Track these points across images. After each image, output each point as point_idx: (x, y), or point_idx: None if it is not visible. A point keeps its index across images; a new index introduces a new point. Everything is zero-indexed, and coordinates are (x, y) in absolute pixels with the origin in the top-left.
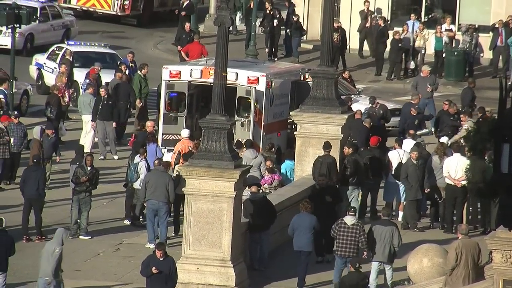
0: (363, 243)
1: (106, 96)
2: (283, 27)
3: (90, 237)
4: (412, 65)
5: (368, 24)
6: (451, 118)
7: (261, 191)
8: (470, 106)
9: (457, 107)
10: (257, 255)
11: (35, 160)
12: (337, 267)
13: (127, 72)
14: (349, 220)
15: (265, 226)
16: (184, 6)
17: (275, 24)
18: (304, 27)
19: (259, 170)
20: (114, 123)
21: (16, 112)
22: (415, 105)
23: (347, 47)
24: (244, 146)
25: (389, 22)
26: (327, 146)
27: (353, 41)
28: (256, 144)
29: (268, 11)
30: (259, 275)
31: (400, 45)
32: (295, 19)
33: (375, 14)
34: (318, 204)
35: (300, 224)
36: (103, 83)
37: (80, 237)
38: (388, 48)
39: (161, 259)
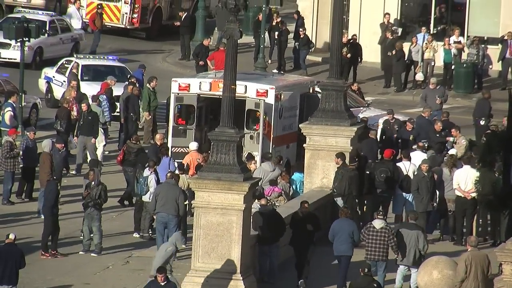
0: (393, 246)
1: (87, 111)
2: (293, 39)
3: (96, 255)
4: (420, 76)
5: (389, 37)
6: (437, 135)
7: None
8: (489, 117)
9: (441, 124)
10: (266, 267)
11: (55, 178)
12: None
13: (137, 85)
14: (378, 223)
15: (274, 239)
16: (182, 19)
17: (276, 36)
18: (313, 40)
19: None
20: (93, 139)
21: (33, 128)
22: (425, 117)
23: (360, 60)
24: (264, 158)
25: (399, 35)
26: (351, 159)
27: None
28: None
29: (274, 23)
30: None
31: (401, 54)
32: (301, 32)
33: (395, 26)
34: (299, 232)
35: (340, 230)
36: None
37: (91, 254)
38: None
39: (162, 283)
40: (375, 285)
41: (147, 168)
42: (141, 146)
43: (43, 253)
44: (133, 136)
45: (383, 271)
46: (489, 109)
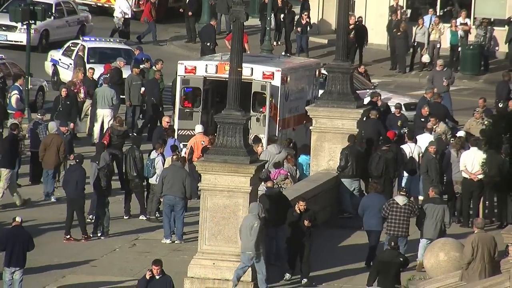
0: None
1: (65, 96)
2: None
3: (103, 237)
4: (426, 58)
5: (399, 19)
6: (422, 120)
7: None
8: (508, 99)
9: (428, 109)
10: (273, 249)
11: (77, 160)
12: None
13: (155, 69)
14: (401, 200)
15: (281, 221)
16: (187, 1)
17: (281, 19)
18: (319, 22)
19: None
20: (72, 124)
21: (43, 110)
22: (427, 99)
23: (366, 42)
24: (269, 141)
25: (408, 16)
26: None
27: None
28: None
29: (279, 5)
30: (275, 270)
31: (403, 36)
32: (304, 15)
33: (404, 8)
34: (295, 230)
35: (370, 205)
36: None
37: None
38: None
39: (157, 276)
40: (401, 259)
41: (154, 151)
42: (126, 128)
43: (85, 237)
44: (117, 119)
45: (403, 247)
46: (508, 91)
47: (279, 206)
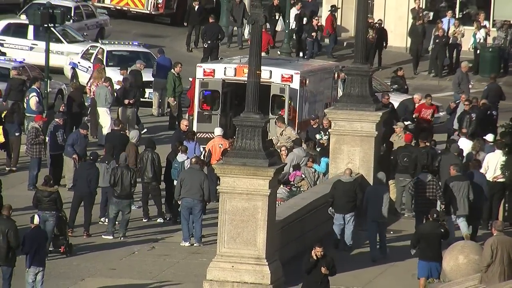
0: (440, 197)
1: (62, 112)
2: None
3: (111, 237)
4: (446, 61)
5: (420, 22)
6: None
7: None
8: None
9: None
10: (340, 235)
11: (91, 158)
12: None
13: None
14: (425, 177)
15: (349, 209)
16: (196, 9)
17: (304, 23)
18: (337, 25)
19: None
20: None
21: (62, 114)
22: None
23: (385, 44)
24: (295, 144)
25: (431, 19)
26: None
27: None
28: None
29: (297, 10)
30: (293, 273)
31: (444, 40)
32: (305, 19)
33: (426, 12)
34: (313, 275)
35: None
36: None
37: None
38: (425, 46)
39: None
40: (442, 230)
41: (180, 153)
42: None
43: (87, 233)
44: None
45: None
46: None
47: (350, 194)
